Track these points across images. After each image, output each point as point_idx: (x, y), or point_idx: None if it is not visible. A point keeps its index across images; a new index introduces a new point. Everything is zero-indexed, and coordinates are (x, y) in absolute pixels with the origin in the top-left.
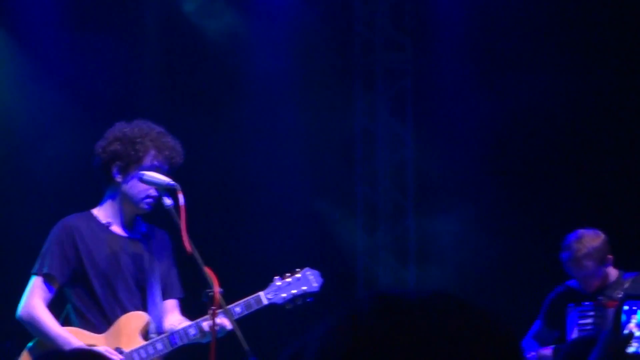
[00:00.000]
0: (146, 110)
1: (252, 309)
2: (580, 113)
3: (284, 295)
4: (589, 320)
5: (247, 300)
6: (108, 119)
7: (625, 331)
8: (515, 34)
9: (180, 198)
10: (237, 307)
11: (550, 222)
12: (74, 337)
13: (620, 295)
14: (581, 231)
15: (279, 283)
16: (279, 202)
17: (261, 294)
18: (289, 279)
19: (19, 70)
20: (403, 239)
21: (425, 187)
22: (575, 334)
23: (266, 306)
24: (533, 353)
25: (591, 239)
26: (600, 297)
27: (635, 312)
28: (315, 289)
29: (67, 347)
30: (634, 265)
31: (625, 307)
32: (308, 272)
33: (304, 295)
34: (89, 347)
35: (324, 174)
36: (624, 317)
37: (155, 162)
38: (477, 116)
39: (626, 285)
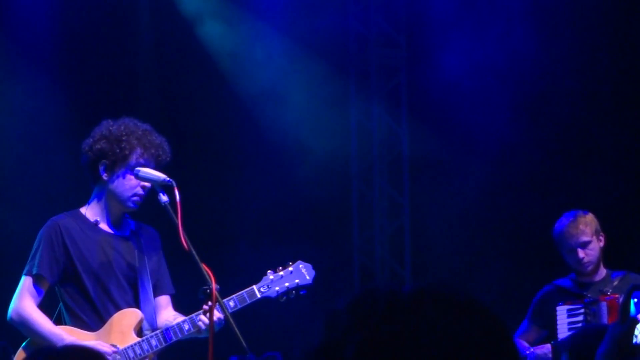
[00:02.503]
0: (140, 110)
1: (246, 303)
2: (586, 112)
3: (277, 288)
4: (579, 318)
5: (241, 294)
6: (98, 118)
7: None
8: (511, 27)
9: (176, 194)
10: (231, 301)
11: (547, 217)
12: (67, 334)
13: (609, 292)
14: (571, 211)
15: (272, 277)
16: (274, 198)
17: (254, 287)
18: (281, 273)
19: (10, 69)
20: (399, 235)
21: (421, 183)
22: (565, 333)
23: (260, 300)
24: (531, 350)
25: (583, 214)
26: (589, 295)
27: None
28: (309, 282)
29: (60, 344)
30: (621, 266)
31: (634, 300)
32: (301, 266)
33: (297, 289)
34: (81, 343)
35: (320, 171)
36: (632, 309)
37: (142, 160)
38: (472, 111)
39: (615, 283)
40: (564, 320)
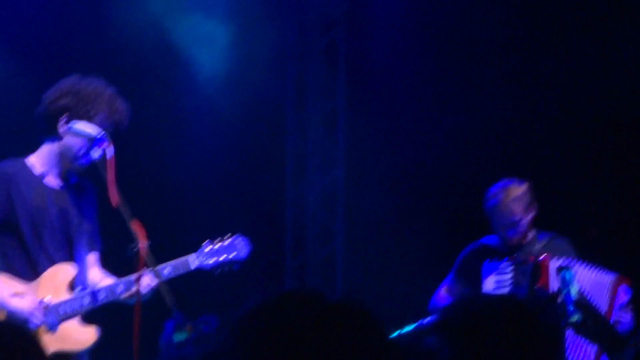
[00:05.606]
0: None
1: (180, 272)
2: (528, 134)
3: (212, 261)
4: (508, 276)
5: (176, 262)
6: (44, 68)
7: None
8: (448, 50)
9: (109, 150)
10: (166, 269)
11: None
12: (2, 282)
13: (537, 253)
14: (505, 180)
15: (207, 248)
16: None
17: (190, 257)
18: (217, 246)
19: None
20: (330, 262)
21: (356, 206)
22: (492, 289)
23: (194, 270)
24: None
25: (516, 186)
26: (516, 255)
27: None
28: (243, 257)
29: None
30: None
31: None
32: (237, 240)
33: (231, 262)
34: (4, 322)
35: (254, 195)
36: (568, 276)
37: (105, 124)
38: (408, 134)
39: (543, 244)
40: (492, 279)
